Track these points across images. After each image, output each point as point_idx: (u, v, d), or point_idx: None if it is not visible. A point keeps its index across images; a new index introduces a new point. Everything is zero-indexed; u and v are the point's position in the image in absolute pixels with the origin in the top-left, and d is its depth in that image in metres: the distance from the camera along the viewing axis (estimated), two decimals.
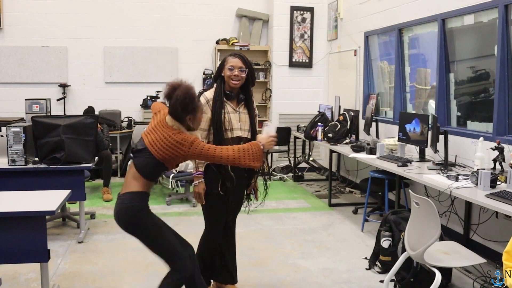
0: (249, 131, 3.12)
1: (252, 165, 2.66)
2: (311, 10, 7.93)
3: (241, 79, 3.05)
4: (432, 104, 5.23)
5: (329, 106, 7.07)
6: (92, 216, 5.30)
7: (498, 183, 3.45)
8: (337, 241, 4.72)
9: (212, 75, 8.06)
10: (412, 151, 5.01)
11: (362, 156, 5.05)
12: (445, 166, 4.15)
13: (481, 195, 3.26)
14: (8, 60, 7.54)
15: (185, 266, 2.71)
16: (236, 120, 3.06)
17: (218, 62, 7.90)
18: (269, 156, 7.58)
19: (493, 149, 3.77)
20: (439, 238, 3.02)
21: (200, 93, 3.07)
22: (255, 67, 8.09)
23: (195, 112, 2.62)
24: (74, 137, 4.51)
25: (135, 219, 2.62)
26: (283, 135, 7.42)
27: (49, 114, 6.70)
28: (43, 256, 3.07)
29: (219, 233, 3.23)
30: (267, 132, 2.75)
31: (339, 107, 6.90)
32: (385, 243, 3.86)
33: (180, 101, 2.53)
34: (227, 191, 3.10)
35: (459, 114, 4.83)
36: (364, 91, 6.66)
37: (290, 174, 7.62)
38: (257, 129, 3.21)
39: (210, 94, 3.05)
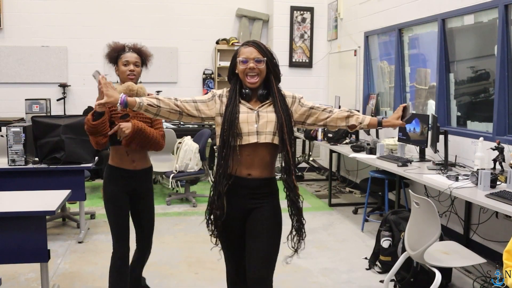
0: (275, 135, 2.35)
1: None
2: (311, 10, 7.93)
3: (259, 73, 2.34)
4: (431, 105, 5.22)
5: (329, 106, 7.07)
6: (92, 216, 5.30)
7: (498, 183, 3.45)
8: (337, 241, 4.72)
9: (212, 75, 8.07)
10: (412, 151, 5.01)
11: (362, 156, 5.05)
12: (445, 166, 4.15)
13: (481, 195, 3.26)
14: (8, 60, 7.54)
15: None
16: (251, 121, 2.32)
17: (218, 62, 7.92)
18: None
19: (493, 149, 3.77)
20: (439, 238, 3.02)
21: None
22: None
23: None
24: (74, 137, 4.51)
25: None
26: None
27: (49, 114, 6.70)
28: (43, 256, 3.07)
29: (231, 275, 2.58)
30: None
31: (339, 107, 6.90)
32: (385, 243, 3.86)
33: None
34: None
35: (459, 114, 4.83)
36: (364, 91, 6.66)
37: None
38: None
39: (220, 91, 2.45)
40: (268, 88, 2.38)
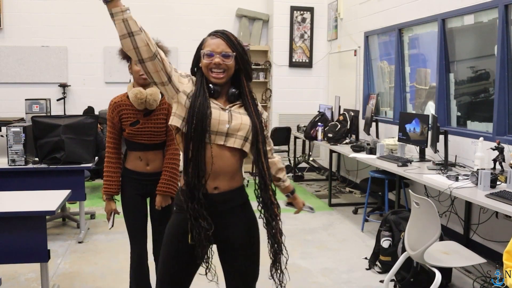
0: (246, 141, 2.02)
1: None
2: (311, 10, 7.93)
3: (226, 70, 2.01)
4: (430, 108, 5.23)
5: (329, 106, 7.07)
6: (92, 216, 5.30)
7: (498, 183, 3.45)
8: (337, 241, 4.72)
9: None
10: (412, 151, 5.01)
11: (362, 156, 5.05)
12: (445, 166, 4.15)
13: (481, 195, 3.26)
14: (8, 60, 7.54)
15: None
16: (223, 120, 1.99)
17: None
18: None
19: (493, 149, 3.77)
20: (439, 238, 3.02)
21: None
22: (255, 67, 8.07)
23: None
24: (74, 137, 4.51)
25: None
26: (283, 135, 7.43)
27: (49, 114, 6.70)
28: (43, 256, 3.07)
29: None
30: None
31: (339, 107, 6.90)
32: (385, 243, 3.86)
33: None
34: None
35: (459, 114, 4.83)
36: (364, 91, 6.66)
37: (290, 174, 7.61)
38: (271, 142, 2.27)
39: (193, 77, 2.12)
40: (238, 88, 2.06)
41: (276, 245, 2.07)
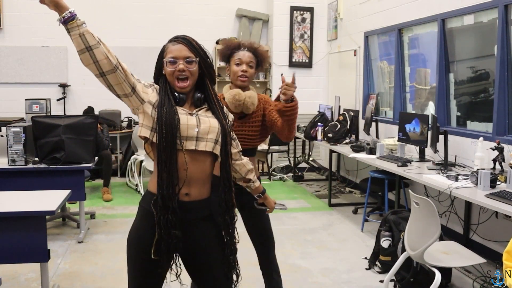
0: (217, 143, 2.01)
1: None
2: (311, 10, 7.93)
3: (190, 76, 1.99)
4: (431, 108, 5.23)
5: (329, 106, 7.07)
6: (92, 216, 5.30)
7: (498, 183, 3.45)
8: (337, 241, 4.73)
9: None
10: (412, 151, 5.01)
11: (362, 156, 5.06)
12: (445, 166, 4.15)
13: (481, 195, 3.26)
14: (8, 60, 7.54)
15: None
16: (191, 124, 1.97)
17: (218, 62, 7.91)
18: (269, 156, 7.59)
19: (493, 149, 3.77)
20: (439, 238, 3.02)
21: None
22: None
23: None
24: (74, 137, 4.52)
25: None
26: None
27: (49, 114, 6.70)
28: (43, 256, 3.07)
29: None
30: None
31: (339, 107, 6.90)
32: (385, 243, 3.86)
33: None
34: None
35: (459, 114, 4.84)
36: (364, 91, 6.67)
37: (290, 174, 7.62)
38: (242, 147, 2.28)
39: (156, 86, 2.09)
40: (203, 92, 2.06)
41: (232, 246, 2.09)
